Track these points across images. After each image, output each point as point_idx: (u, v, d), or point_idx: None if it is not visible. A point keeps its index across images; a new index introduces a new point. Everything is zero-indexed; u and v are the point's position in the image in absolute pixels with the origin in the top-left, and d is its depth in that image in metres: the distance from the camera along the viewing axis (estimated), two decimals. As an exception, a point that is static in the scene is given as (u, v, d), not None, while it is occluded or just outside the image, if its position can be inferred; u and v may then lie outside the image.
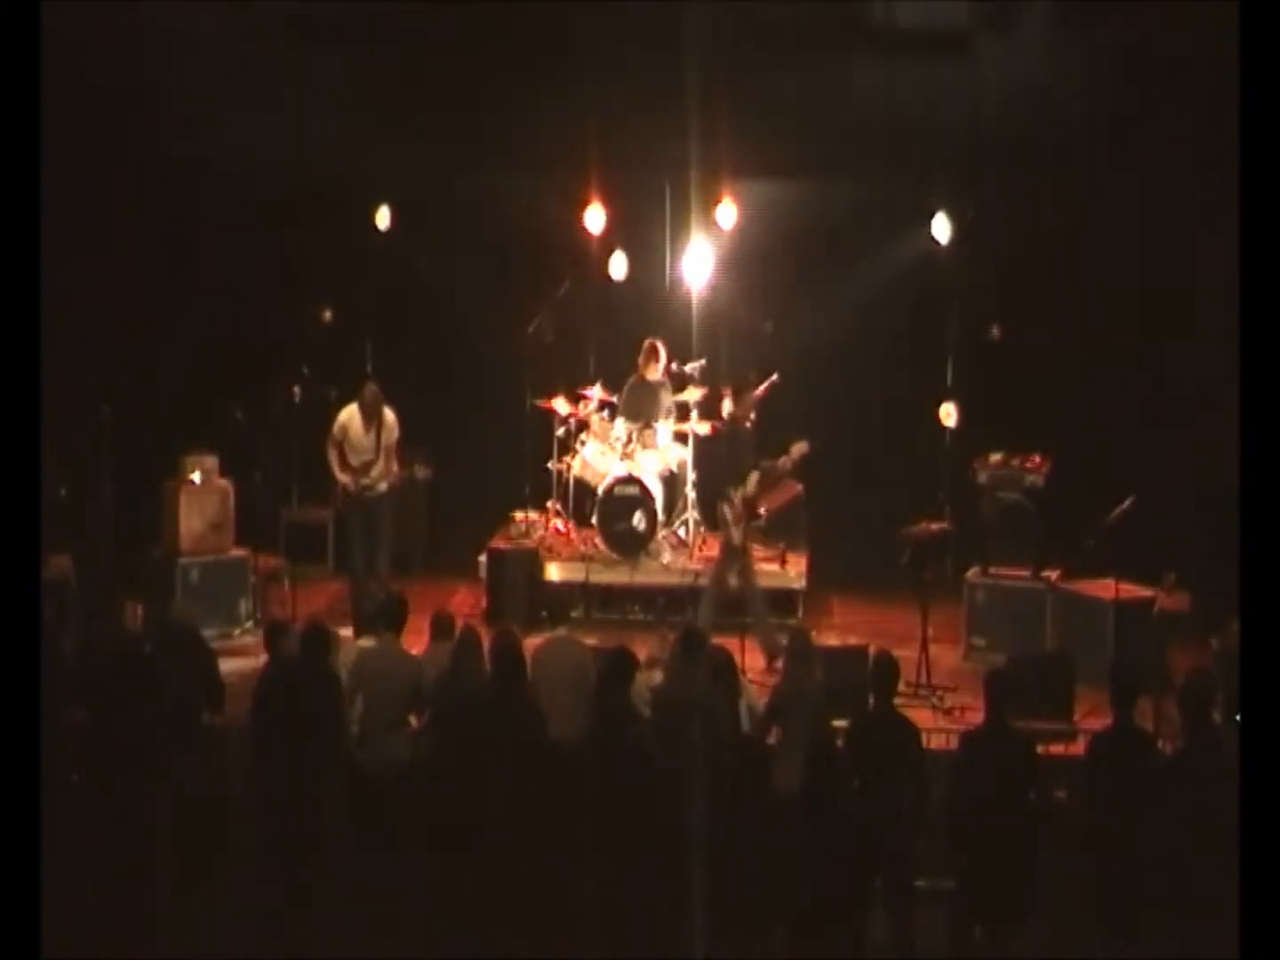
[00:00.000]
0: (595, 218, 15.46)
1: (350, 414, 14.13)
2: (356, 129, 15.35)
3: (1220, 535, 11.76)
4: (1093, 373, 15.17)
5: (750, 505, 13.66)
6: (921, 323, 15.30)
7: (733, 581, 13.73)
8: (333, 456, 14.12)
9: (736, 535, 13.59)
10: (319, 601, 14.87)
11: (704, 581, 14.07)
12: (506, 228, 15.63)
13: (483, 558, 14.90)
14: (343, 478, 14.07)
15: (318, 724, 10.07)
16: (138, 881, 10.13)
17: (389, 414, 14.13)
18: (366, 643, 11.73)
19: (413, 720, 10.56)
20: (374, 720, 10.46)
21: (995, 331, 15.45)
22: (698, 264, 15.46)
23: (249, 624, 14.27)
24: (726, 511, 13.59)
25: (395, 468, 14.26)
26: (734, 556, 13.70)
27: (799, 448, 14.20)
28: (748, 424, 14.98)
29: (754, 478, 13.61)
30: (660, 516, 14.82)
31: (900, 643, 12.83)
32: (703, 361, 15.33)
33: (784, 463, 14.27)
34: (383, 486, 14.15)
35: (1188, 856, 9.00)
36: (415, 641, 11.51)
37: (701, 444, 15.12)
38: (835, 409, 15.39)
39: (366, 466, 14.06)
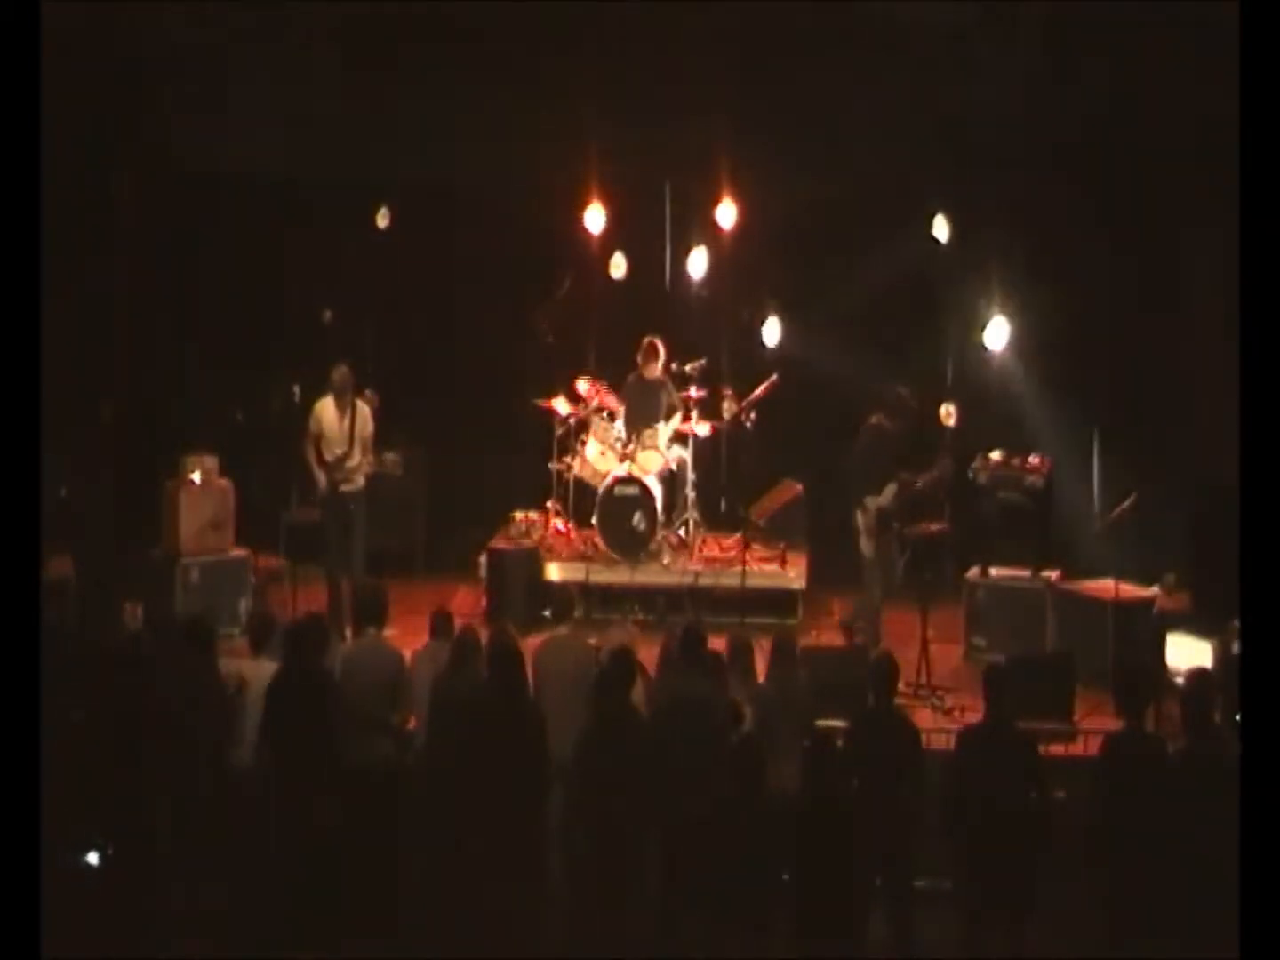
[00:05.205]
0: (595, 218, 15.43)
1: (324, 404, 13.87)
2: (356, 129, 15.34)
3: (1220, 535, 11.75)
4: (1092, 372, 15.15)
5: (885, 517, 13.16)
6: (921, 323, 15.28)
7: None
8: (311, 455, 13.86)
9: (867, 547, 13.31)
10: (319, 601, 14.85)
11: (705, 581, 14.17)
12: (506, 228, 15.62)
13: (483, 558, 14.88)
14: (320, 476, 13.81)
15: (312, 722, 10.06)
16: (137, 881, 10.13)
17: (363, 405, 13.92)
18: (350, 642, 11.66)
19: (394, 719, 10.49)
20: (356, 718, 10.38)
21: (994, 331, 15.42)
22: (698, 264, 15.47)
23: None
24: (860, 520, 13.28)
25: (371, 460, 13.94)
26: (870, 569, 13.37)
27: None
28: (747, 424, 15.01)
29: (891, 489, 13.16)
30: (660, 516, 14.81)
31: (900, 643, 12.83)
32: (703, 361, 15.32)
33: (927, 480, 13.28)
34: (360, 481, 13.92)
35: (1188, 856, 9.01)
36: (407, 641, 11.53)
37: (701, 444, 15.14)
38: (835, 409, 15.36)
39: (341, 460, 13.77)
